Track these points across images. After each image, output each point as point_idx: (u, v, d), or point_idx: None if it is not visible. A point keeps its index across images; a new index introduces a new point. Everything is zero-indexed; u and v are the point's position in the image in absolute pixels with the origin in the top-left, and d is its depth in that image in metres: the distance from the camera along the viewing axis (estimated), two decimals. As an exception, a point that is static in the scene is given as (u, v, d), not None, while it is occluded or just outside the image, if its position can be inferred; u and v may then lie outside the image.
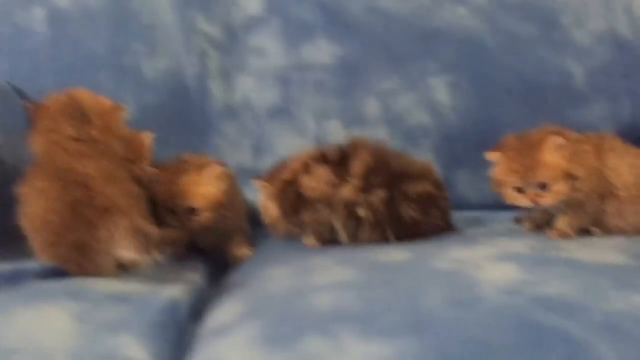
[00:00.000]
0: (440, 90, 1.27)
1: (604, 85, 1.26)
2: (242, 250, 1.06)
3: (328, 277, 0.78)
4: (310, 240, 1.02)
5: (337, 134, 1.24)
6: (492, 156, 0.96)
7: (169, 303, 0.75)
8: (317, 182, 0.97)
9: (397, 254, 0.87)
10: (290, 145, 1.24)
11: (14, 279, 0.77)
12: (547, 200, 0.92)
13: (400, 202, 0.96)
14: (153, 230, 0.80)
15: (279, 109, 1.30)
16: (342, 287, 0.73)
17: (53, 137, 0.89)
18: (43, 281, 0.79)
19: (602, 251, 0.84)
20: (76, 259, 0.80)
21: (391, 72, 1.28)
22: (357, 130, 1.26)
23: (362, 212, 0.96)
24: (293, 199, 0.99)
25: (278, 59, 1.32)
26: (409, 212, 0.97)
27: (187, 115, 1.28)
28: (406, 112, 1.27)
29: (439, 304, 0.64)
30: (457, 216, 1.14)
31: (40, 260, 0.83)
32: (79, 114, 0.92)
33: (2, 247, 0.93)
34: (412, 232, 0.97)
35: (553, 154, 0.91)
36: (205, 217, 0.99)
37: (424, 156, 1.18)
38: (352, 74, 1.29)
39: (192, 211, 0.98)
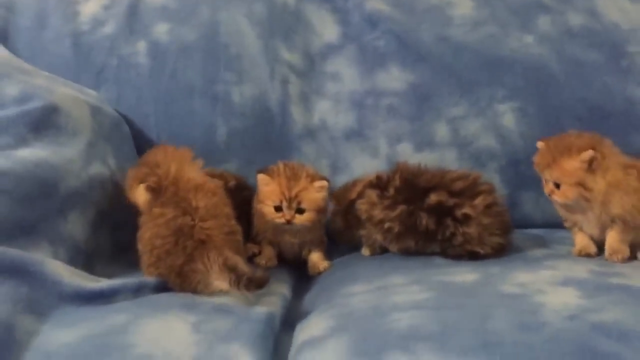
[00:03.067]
0: (507, 115, 1.34)
1: (668, 112, 1.29)
2: (322, 263, 1.18)
3: (404, 297, 0.87)
4: (365, 251, 1.20)
5: (408, 156, 1.32)
6: (539, 144, 1.09)
7: (266, 315, 0.87)
8: (365, 204, 1.15)
9: (465, 275, 0.95)
10: (364, 165, 1.35)
11: (137, 291, 0.90)
12: (557, 198, 1.04)
13: (416, 214, 1.10)
14: (243, 267, 0.89)
15: (354, 131, 1.40)
16: (418, 307, 0.82)
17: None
18: (160, 294, 0.92)
19: (659, 278, 0.89)
20: (175, 282, 0.94)
21: (460, 98, 1.36)
22: (427, 152, 1.35)
23: (388, 225, 1.12)
24: (353, 217, 1.18)
25: (353, 84, 1.42)
26: (423, 222, 1.10)
27: (270, 137, 1.39)
28: (474, 136, 1.35)
29: (505, 326, 0.73)
30: (522, 235, 1.22)
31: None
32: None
33: (119, 260, 1.08)
34: (429, 240, 1.11)
35: (574, 162, 1.01)
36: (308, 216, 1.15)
37: (490, 177, 1.26)
38: (423, 100, 1.38)
39: (301, 211, 1.14)
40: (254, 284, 0.87)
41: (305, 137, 1.41)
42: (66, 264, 0.92)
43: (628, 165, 1.03)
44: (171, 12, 1.44)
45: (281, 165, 1.18)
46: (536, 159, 1.08)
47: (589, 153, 1.00)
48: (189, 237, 0.94)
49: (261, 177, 1.16)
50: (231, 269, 0.87)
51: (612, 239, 1.03)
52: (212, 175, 1.12)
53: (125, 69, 1.40)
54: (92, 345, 0.74)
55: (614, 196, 1.01)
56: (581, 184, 1.01)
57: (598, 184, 1.01)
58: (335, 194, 1.22)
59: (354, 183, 1.22)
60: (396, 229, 1.12)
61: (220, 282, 0.89)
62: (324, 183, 1.16)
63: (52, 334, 0.76)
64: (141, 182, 1.01)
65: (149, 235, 0.97)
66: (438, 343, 0.70)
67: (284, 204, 1.13)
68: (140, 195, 1.01)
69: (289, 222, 1.14)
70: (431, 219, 1.10)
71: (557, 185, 1.04)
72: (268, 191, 1.15)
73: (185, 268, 0.91)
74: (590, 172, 1.01)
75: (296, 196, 1.13)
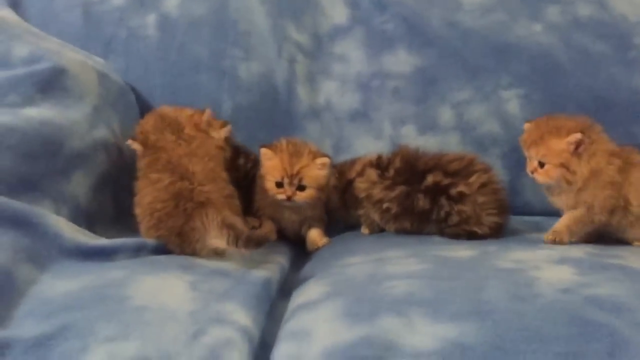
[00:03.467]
0: (512, 102, 1.35)
1: (672, 104, 1.30)
2: (321, 239, 1.18)
3: (400, 267, 0.88)
4: (365, 230, 1.21)
5: (411, 139, 1.34)
6: (526, 125, 1.10)
7: (262, 279, 0.88)
8: (365, 183, 1.16)
9: (462, 251, 0.96)
10: (368, 147, 1.36)
11: (137, 251, 0.92)
12: (538, 176, 1.04)
13: (413, 195, 1.12)
14: (241, 226, 0.92)
15: (359, 113, 1.41)
16: (413, 276, 0.83)
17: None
18: (159, 255, 0.93)
19: (656, 260, 0.90)
20: (175, 242, 0.95)
21: (465, 83, 1.37)
22: (430, 135, 1.35)
23: (386, 205, 1.13)
24: (351, 195, 1.19)
25: (360, 66, 1.43)
26: (419, 203, 1.11)
27: (275, 115, 1.40)
28: (477, 121, 1.35)
29: (499, 296, 0.74)
30: (522, 220, 1.23)
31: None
32: (173, 123, 1.06)
33: (120, 224, 1.09)
34: (423, 219, 1.12)
35: (562, 143, 1.01)
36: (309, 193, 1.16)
37: (492, 163, 1.26)
38: (429, 83, 1.39)
39: (302, 187, 1.15)
40: (253, 242, 0.88)
41: (309, 116, 1.42)
42: (68, 222, 0.93)
43: (614, 153, 1.03)
44: (182, -14, 1.44)
45: (284, 142, 1.18)
46: (523, 136, 1.09)
47: (576, 136, 1.00)
48: (189, 199, 0.95)
49: (264, 152, 1.16)
50: (229, 227, 0.88)
51: (564, 220, 1.03)
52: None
53: (134, 41, 1.41)
54: (89, 295, 0.75)
55: (591, 184, 1.01)
56: (565, 166, 1.01)
57: (582, 168, 1.01)
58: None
59: (353, 162, 1.23)
60: (394, 210, 1.13)
61: (218, 240, 0.90)
62: (326, 160, 1.17)
63: (51, 283, 0.78)
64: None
65: (149, 199, 0.98)
66: (431, 308, 0.71)
67: (285, 180, 1.14)
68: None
69: (289, 198, 1.14)
70: (427, 199, 1.11)
71: (542, 165, 1.04)
72: (270, 166, 1.15)
73: (185, 228, 0.93)
74: (576, 155, 1.01)
75: (298, 173, 1.14)
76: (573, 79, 1.33)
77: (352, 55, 1.44)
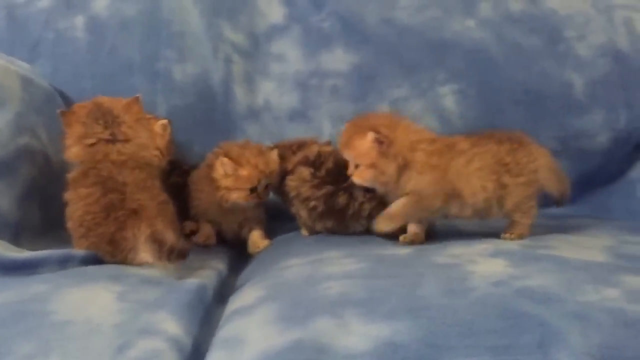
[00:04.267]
0: (448, 97, 1.36)
1: (602, 96, 1.33)
2: (262, 241, 1.16)
3: (337, 268, 0.87)
4: (304, 232, 1.17)
5: (350, 137, 1.33)
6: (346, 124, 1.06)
7: (196, 287, 0.85)
8: (295, 181, 1.13)
9: (400, 249, 0.96)
10: (308, 146, 1.34)
11: (63, 263, 0.88)
12: (355, 179, 1.02)
13: (337, 194, 1.10)
14: (170, 238, 0.89)
15: (298, 112, 1.40)
16: (350, 276, 0.82)
17: (88, 141, 0.99)
18: (87, 266, 0.89)
19: (587, 250, 0.92)
20: (106, 250, 0.92)
21: (403, 80, 1.37)
22: (370, 133, 1.35)
23: (312, 204, 1.11)
24: (284, 194, 1.16)
25: (297, 65, 1.42)
26: (339, 200, 1.09)
27: (212, 116, 1.38)
28: (415, 117, 1.34)
29: (434, 292, 0.73)
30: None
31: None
32: (107, 115, 1.02)
33: (48, 235, 1.04)
34: (342, 217, 1.10)
35: (365, 143, 0.98)
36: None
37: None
38: (366, 81, 1.38)
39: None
40: (176, 254, 0.86)
41: (248, 117, 1.40)
42: (-10, 236, 0.89)
43: (424, 141, 0.99)
44: (111, -14, 1.40)
45: (237, 148, 1.15)
46: (338, 138, 1.05)
47: (370, 134, 0.97)
48: (120, 208, 0.92)
49: (226, 163, 1.11)
50: (155, 241, 0.86)
51: (395, 206, 0.99)
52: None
53: (62, 44, 1.37)
54: (7, 312, 0.71)
55: (407, 176, 0.98)
56: (374, 166, 0.98)
57: (389, 167, 0.97)
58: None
59: (293, 150, 1.19)
60: (320, 208, 1.11)
61: (145, 254, 0.88)
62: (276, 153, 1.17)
63: (-33, 301, 0.73)
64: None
65: (80, 213, 0.94)
66: (366, 308, 0.70)
67: (261, 184, 1.12)
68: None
69: (261, 200, 1.14)
70: (345, 195, 1.09)
71: (357, 167, 1.01)
72: (242, 177, 1.11)
73: (116, 236, 0.90)
74: (382, 154, 0.97)
75: (270, 174, 1.13)
76: (506, 73, 1.35)
77: (289, 55, 1.43)
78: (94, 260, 0.92)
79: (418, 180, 0.97)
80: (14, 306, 0.72)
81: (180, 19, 1.40)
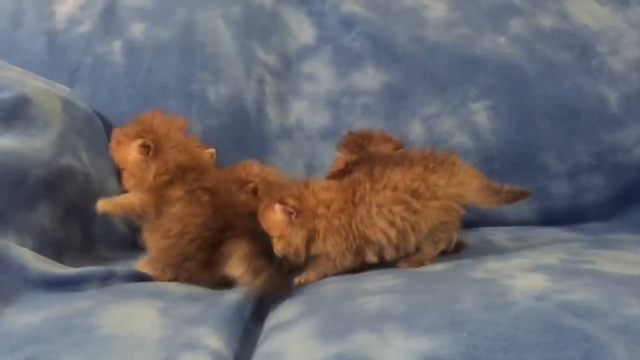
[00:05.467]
0: (480, 113, 1.36)
1: (637, 110, 1.32)
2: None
3: (374, 283, 0.87)
4: None
5: (383, 154, 1.34)
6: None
7: (235, 303, 0.86)
8: None
9: (436, 265, 0.96)
10: (340, 165, 1.35)
11: (105, 280, 0.90)
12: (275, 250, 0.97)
13: None
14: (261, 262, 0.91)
15: (330, 131, 1.41)
16: (387, 291, 0.82)
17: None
18: (128, 283, 0.91)
19: (627, 264, 0.90)
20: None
21: (434, 97, 1.38)
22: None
23: None
24: None
25: (329, 85, 1.44)
26: None
27: (246, 136, 1.39)
28: (447, 134, 1.36)
29: (473, 306, 0.73)
30: (495, 230, 1.23)
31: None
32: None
33: (88, 254, 1.07)
34: None
35: (274, 215, 0.95)
36: None
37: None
38: (397, 99, 1.39)
39: None
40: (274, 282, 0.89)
41: (281, 136, 1.41)
42: (33, 254, 0.91)
43: (321, 204, 0.96)
44: (147, 12, 1.44)
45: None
46: None
47: (277, 207, 0.95)
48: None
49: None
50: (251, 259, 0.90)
51: (313, 267, 0.98)
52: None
53: (101, 68, 1.40)
54: (55, 326, 0.73)
55: (314, 245, 0.96)
56: (282, 237, 0.96)
57: (297, 237, 0.95)
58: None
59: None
60: None
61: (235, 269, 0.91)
62: None
63: (15, 316, 0.75)
64: (136, 138, 0.96)
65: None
66: (406, 323, 0.70)
67: None
68: (131, 152, 0.96)
69: None
70: None
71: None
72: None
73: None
74: (290, 224, 0.95)
75: None
76: (538, 89, 1.35)
77: (320, 74, 1.45)
78: (135, 277, 0.93)
79: (324, 246, 0.96)
80: (60, 321, 0.74)
81: (214, 41, 1.43)
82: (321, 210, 0.95)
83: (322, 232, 0.95)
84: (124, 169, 0.97)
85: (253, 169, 1.20)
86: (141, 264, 0.98)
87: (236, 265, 0.91)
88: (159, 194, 0.94)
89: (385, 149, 1.17)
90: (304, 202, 0.95)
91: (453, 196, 0.94)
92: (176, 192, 0.94)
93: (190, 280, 0.95)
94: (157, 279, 0.95)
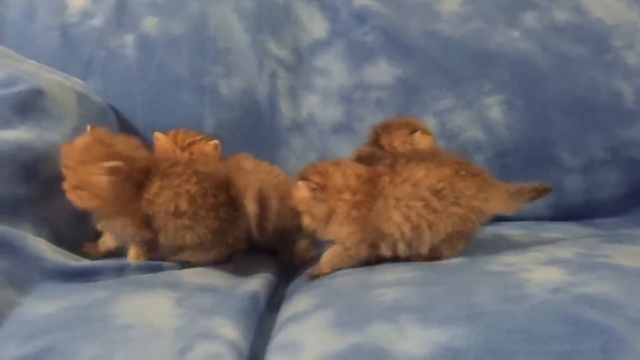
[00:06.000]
0: (494, 108, 1.35)
1: (652, 104, 1.31)
2: (308, 251, 1.17)
3: (389, 276, 0.87)
4: None
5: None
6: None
7: (250, 294, 0.87)
8: None
9: (450, 258, 0.96)
10: (352, 159, 1.34)
11: (119, 272, 0.90)
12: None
13: None
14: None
15: (342, 125, 1.41)
16: (402, 283, 0.82)
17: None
18: (142, 274, 0.91)
19: (642, 258, 0.90)
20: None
21: (447, 91, 1.37)
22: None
23: None
24: None
25: (341, 79, 1.43)
26: None
27: (258, 130, 1.40)
28: (460, 129, 1.35)
29: (490, 299, 0.73)
30: (509, 225, 1.22)
31: None
32: None
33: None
34: None
35: (299, 192, 0.96)
36: None
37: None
38: (410, 93, 1.39)
39: None
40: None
41: (293, 130, 1.41)
42: (48, 246, 0.91)
43: (346, 189, 0.95)
44: (159, 6, 1.44)
45: None
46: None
47: (300, 183, 0.96)
48: None
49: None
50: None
51: (325, 255, 0.98)
52: None
53: (113, 61, 1.40)
54: (72, 315, 0.73)
55: (332, 224, 0.96)
56: (307, 212, 0.96)
57: (320, 211, 0.95)
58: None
59: None
60: None
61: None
62: None
63: (33, 305, 0.76)
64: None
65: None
66: (422, 314, 0.70)
67: None
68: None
69: None
70: None
71: None
72: None
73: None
74: (314, 200, 0.95)
75: None
76: (553, 83, 1.34)
77: (333, 68, 1.44)
78: (149, 269, 0.93)
79: (339, 232, 0.95)
80: (77, 310, 0.74)
81: (226, 35, 1.43)
82: (346, 196, 0.94)
83: (340, 217, 0.95)
84: None
85: (246, 163, 1.19)
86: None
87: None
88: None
89: (400, 135, 1.16)
90: (329, 178, 0.96)
91: (475, 209, 0.93)
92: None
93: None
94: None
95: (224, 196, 0.99)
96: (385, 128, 1.17)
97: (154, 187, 0.96)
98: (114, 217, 0.98)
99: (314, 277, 0.96)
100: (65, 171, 0.95)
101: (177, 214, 0.96)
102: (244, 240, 1.06)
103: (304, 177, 0.96)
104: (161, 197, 0.96)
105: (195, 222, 0.97)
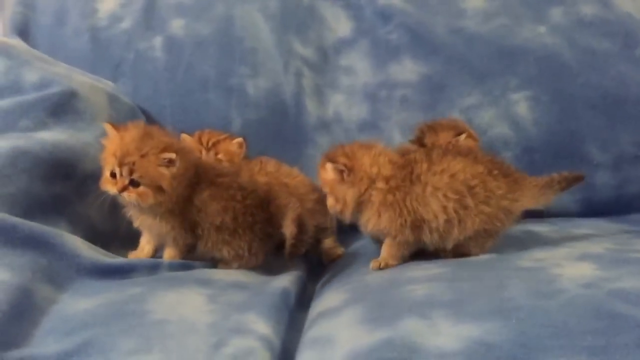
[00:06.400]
0: (521, 104, 1.34)
1: (683, 98, 1.29)
2: (336, 249, 1.18)
3: (419, 272, 0.88)
4: None
5: (421, 146, 1.33)
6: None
7: (280, 290, 0.88)
8: None
9: (481, 254, 0.96)
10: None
11: (153, 269, 0.92)
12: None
13: None
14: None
15: (368, 123, 1.41)
16: (433, 279, 0.82)
17: None
18: (175, 272, 0.93)
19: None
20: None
21: (473, 88, 1.37)
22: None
23: None
24: None
25: (366, 77, 1.44)
26: None
27: (285, 129, 1.41)
28: (488, 125, 1.35)
29: (522, 294, 0.73)
30: (538, 221, 1.21)
31: None
32: None
33: (134, 245, 1.09)
34: None
35: (326, 173, 0.97)
36: None
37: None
38: (436, 90, 1.39)
39: None
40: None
41: (319, 129, 1.42)
42: (83, 243, 0.93)
43: (379, 177, 0.95)
44: (186, 7, 1.46)
45: None
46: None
47: (328, 165, 0.96)
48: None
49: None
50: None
51: (383, 251, 0.97)
52: None
53: (142, 63, 1.42)
54: (109, 311, 0.75)
55: (366, 214, 0.97)
56: (333, 194, 0.97)
57: (348, 194, 0.95)
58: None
59: None
60: None
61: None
62: None
63: (71, 301, 0.78)
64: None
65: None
66: (453, 309, 0.70)
67: None
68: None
69: None
70: None
71: None
72: None
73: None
74: (342, 182, 0.96)
75: None
76: (581, 78, 1.33)
77: (358, 67, 1.45)
78: (181, 267, 0.95)
79: (379, 222, 0.95)
80: (114, 306, 0.76)
81: (252, 36, 1.44)
82: (380, 184, 0.95)
83: (376, 206, 0.95)
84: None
85: (268, 165, 1.20)
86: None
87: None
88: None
89: (446, 136, 1.16)
90: (356, 161, 0.96)
91: (504, 209, 0.93)
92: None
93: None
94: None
95: (262, 214, 1.00)
96: (432, 127, 1.18)
97: (204, 194, 0.98)
98: (167, 217, 0.97)
99: (380, 269, 0.96)
100: (120, 168, 0.93)
101: (220, 228, 0.97)
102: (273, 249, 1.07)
103: (331, 159, 0.96)
104: (210, 208, 0.97)
105: (233, 238, 0.98)
